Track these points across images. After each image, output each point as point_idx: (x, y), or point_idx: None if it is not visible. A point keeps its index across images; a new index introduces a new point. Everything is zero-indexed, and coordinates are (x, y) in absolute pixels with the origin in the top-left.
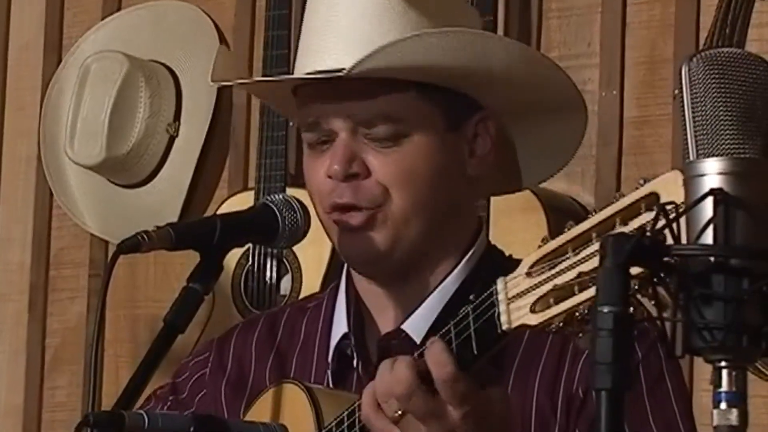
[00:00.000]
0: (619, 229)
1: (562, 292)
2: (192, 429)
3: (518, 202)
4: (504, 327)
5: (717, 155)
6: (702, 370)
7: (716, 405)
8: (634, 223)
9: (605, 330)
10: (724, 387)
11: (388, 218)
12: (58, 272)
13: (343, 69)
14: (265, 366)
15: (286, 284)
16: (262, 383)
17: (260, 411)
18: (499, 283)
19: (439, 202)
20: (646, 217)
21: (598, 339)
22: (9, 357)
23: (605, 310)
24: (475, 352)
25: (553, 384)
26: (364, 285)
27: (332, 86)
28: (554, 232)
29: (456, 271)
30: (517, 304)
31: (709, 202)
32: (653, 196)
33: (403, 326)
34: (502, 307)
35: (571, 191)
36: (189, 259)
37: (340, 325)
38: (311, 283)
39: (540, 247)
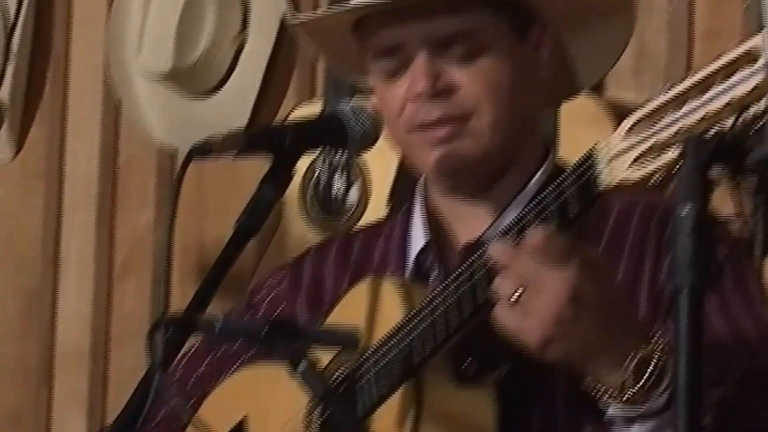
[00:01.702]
0: (720, 86)
1: (662, 149)
2: (264, 333)
3: (585, 115)
4: (604, 185)
5: None
6: None
7: None
8: (735, 78)
9: (686, 228)
10: None
11: (474, 130)
12: (126, 181)
13: None
14: (340, 284)
15: (353, 195)
16: (338, 302)
17: (349, 305)
18: (599, 144)
19: (518, 112)
20: (746, 72)
21: (679, 237)
22: (77, 267)
23: (685, 208)
24: (576, 210)
25: (636, 283)
26: (442, 200)
27: (407, 9)
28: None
29: (532, 182)
30: (616, 163)
31: None
32: (751, 55)
33: (484, 236)
34: (602, 166)
35: (640, 101)
36: (257, 171)
37: (417, 241)
38: (378, 194)
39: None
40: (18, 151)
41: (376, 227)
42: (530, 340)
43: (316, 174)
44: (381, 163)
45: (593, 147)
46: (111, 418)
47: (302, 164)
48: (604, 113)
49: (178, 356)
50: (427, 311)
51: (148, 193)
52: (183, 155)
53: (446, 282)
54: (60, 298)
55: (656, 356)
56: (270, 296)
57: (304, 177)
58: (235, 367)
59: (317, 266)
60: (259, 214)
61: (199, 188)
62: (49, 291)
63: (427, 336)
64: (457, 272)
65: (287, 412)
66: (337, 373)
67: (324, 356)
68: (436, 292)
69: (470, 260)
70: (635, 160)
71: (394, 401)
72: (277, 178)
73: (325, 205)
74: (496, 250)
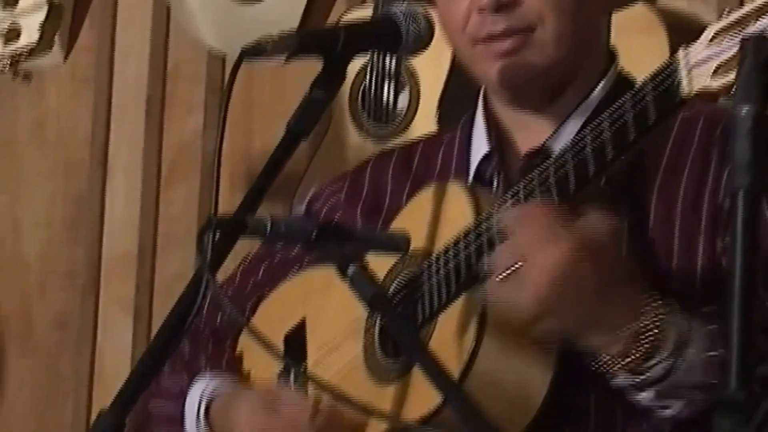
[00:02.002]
0: None
1: None
2: (315, 234)
3: (638, 23)
4: (685, 93)
5: None
6: None
7: None
8: None
9: (744, 129)
10: None
11: (539, 42)
12: (174, 86)
13: None
14: (401, 193)
15: (403, 101)
16: (398, 211)
17: (415, 210)
18: (681, 52)
19: (582, 22)
20: None
21: (737, 139)
22: (126, 169)
23: (744, 109)
24: (652, 121)
25: (698, 197)
26: (505, 110)
27: None
28: (674, 36)
29: (596, 92)
30: (698, 71)
31: None
32: None
33: (548, 143)
34: (683, 74)
35: (694, 9)
36: (307, 74)
37: (479, 150)
38: (429, 100)
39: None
40: (67, 55)
41: (435, 137)
42: (523, 312)
43: (366, 79)
44: (431, 70)
45: (673, 55)
46: (157, 323)
47: (352, 69)
48: (658, 21)
49: (240, 264)
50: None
51: (197, 99)
52: (232, 61)
53: (516, 188)
54: (107, 203)
55: (652, 327)
56: (328, 204)
57: (353, 82)
58: (292, 272)
59: (377, 175)
60: (310, 116)
61: (248, 95)
62: (97, 195)
63: (494, 241)
64: (527, 178)
65: (345, 317)
66: (398, 279)
67: (385, 262)
68: (506, 196)
69: (541, 167)
70: (717, 68)
71: (456, 309)
72: (328, 82)
73: (374, 111)
74: (502, 218)
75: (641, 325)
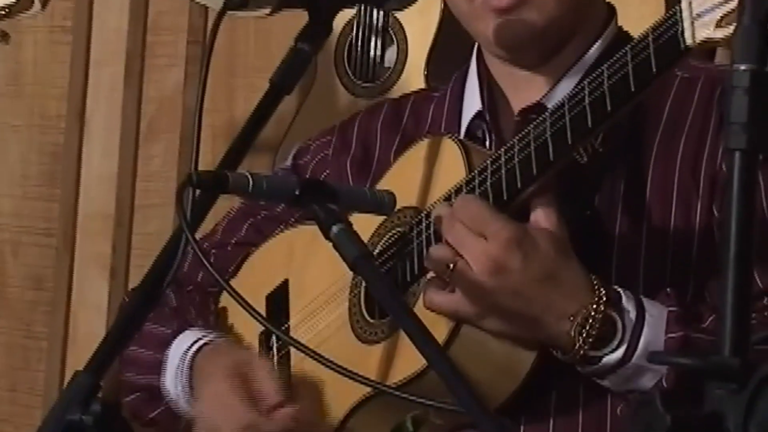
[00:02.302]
0: None
1: None
2: (297, 192)
3: None
4: (688, 42)
5: None
6: None
7: None
8: None
9: (741, 88)
10: None
11: (539, 0)
12: (155, 38)
13: None
14: (390, 149)
15: (390, 56)
16: (387, 164)
17: (407, 165)
18: (684, 2)
19: None
20: None
21: (733, 98)
22: (104, 124)
23: (741, 67)
24: (654, 71)
25: (696, 159)
26: (500, 67)
27: None
28: (672, 4)
29: (594, 48)
30: (702, 21)
31: None
32: None
33: (544, 100)
34: (686, 24)
35: None
36: (291, 28)
37: (471, 106)
38: (417, 55)
39: None
40: (45, 3)
41: (427, 92)
42: (466, 316)
43: (352, 34)
44: (419, 26)
45: (677, 5)
46: (134, 283)
47: (338, 23)
48: None
49: (224, 218)
50: (491, 170)
51: (178, 51)
52: (215, 12)
53: (511, 142)
54: (84, 158)
55: (597, 315)
56: (316, 159)
57: (339, 37)
58: (277, 230)
59: (365, 130)
60: (294, 71)
61: (231, 48)
62: (73, 150)
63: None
64: (522, 133)
65: (330, 276)
66: (386, 238)
67: (373, 220)
68: (500, 152)
69: (537, 120)
70: (721, 19)
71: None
72: (314, 35)
73: (360, 67)
74: (436, 213)
75: (585, 313)
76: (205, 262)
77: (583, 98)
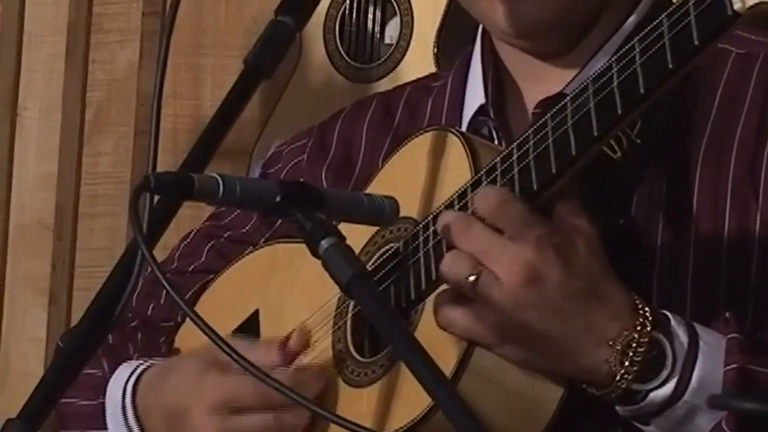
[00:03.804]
0: None
1: None
2: (279, 198)
3: None
4: (736, 6)
5: None
6: None
7: None
8: None
9: None
10: None
11: None
12: (103, 8)
13: None
14: (378, 152)
15: (392, 30)
16: (374, 171)
17: (403, 163)
18: None
19: None
20: None
21: None
22: (41, 114)
23: None
24: (696, 42)
25: (755, 154)
26: (512, 54)
27: None
28: None
29: (628, 22)
30: None
31: None
32: None
33: (567, 90)
34: None
35: None
36: (266, 3)
37: (473, 99)
38: (424, 30)
39: None
40: None
41: (425, 81)
42: (485, 337)
43: (345, 4)
44: None
45: None
46: (78, 311)
47: None
48: None
49: (180, 243)
50: (501, 170)
51: (132, 24)
52: None
53: (524, 136)
54: (17, 156)
55: (643, 338)
56: (288, 167)
57: (329, 7)
58: (243, 254)
59: (349, 129)
60: (274, 50)
61: (197, 22)
62: (3, 147)
63: None
64: (538, 124)
65: (310, 304)
66: (378, 254)
67: (359, 231)
68: (512, 147)
69: (556, 108)
70: None
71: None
72: (297, 5)
73: (355, 44)
74: (444, 221)
75: (628, 337)
76: (165, 284)
77: (611, 79)
